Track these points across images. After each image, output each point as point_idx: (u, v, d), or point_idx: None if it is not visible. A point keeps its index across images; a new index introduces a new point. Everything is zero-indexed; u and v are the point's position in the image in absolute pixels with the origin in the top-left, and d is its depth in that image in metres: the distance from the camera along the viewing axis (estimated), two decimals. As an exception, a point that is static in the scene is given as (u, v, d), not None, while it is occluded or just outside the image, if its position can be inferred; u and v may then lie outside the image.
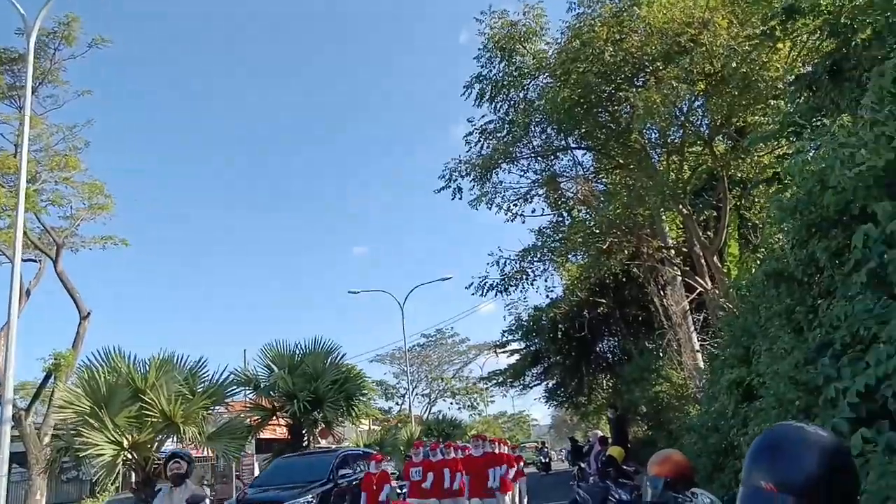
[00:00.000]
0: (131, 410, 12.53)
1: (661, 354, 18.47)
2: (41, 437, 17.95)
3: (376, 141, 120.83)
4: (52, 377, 18.18)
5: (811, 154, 5.84)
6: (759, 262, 10.33)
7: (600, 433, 14.43)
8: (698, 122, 14.55)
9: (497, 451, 12.64)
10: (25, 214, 13.46)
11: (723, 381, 8.15)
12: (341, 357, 19.63)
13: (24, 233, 14.30)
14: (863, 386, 4.55)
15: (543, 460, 34.32)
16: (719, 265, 14.43)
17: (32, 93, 14.56)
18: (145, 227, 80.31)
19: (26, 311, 20.18)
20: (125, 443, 12.32)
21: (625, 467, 9.90)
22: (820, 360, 5.33)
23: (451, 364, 54.18)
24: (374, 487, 11.00)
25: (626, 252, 16.66)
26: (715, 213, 15.73)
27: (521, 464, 16.70)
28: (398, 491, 12.17)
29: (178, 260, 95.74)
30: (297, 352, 18.93)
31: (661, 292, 17.36)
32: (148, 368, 13.43)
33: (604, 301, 20.97)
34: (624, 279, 19.78)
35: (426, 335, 51.14)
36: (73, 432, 12.43)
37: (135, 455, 12.64)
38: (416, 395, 50.71)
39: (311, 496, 11.80)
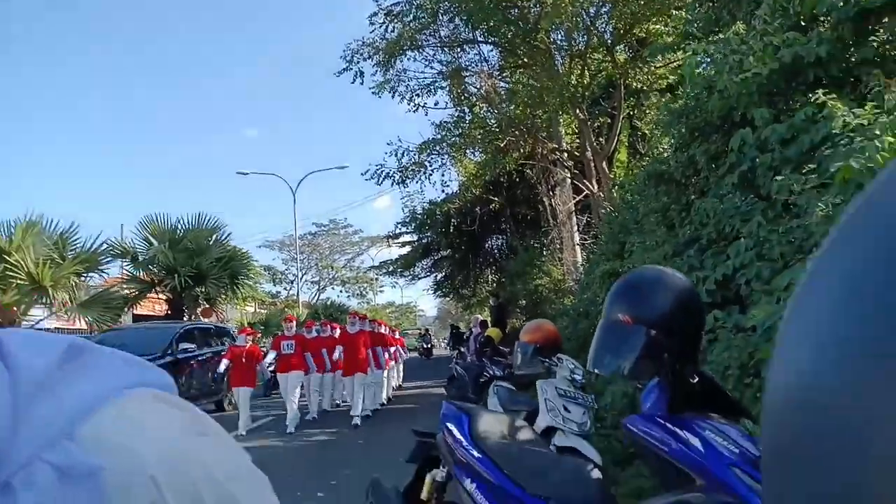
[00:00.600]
0: (-5, 271, 11.79)
1: (544, 251, 19.33)
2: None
3: (277, 14, 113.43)
4: None
5: (704, 62, 6.07)
6: (643, 168, 10.87)
7: (481, 317, 15.12)
8: (603, 29, 14.63)
9: (376, 330, 12.98)
10: None
11: (597, 272, 8.70)
12: (226, 236, 19.16)
13: None
14: (720, 275, 5.00)
15: (426, 346, 36.05)
16: (607, 171, 15.01)
17: None
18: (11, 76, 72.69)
19: None
20: (-12, 304, 11.67)
21: (501, 348, 10.48)
22: (686, 252, 5.79)
23: (342, 254, 54.16)
24: (244, 360, 10.63)
25: (521, 152, 16.92)
26: (609, 121, 16.19)
27: (402, 347, 17.54)
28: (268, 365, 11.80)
29: (51, 123, 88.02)
30: (179, 227, 18.24)
31: (551, 192, 17.95)
32: (13, 230, 12.54)
33: (496, 199, 21.41)
34: (517, 179, 20.22)
35: (318, 224, 50.65)
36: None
37: (-1, 316, 12.02)
38: (305, 281, 50.67)
39: None
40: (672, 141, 7.34)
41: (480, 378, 8.96)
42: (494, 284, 27.87)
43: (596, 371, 2.08)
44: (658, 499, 1.82)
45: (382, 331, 14.17)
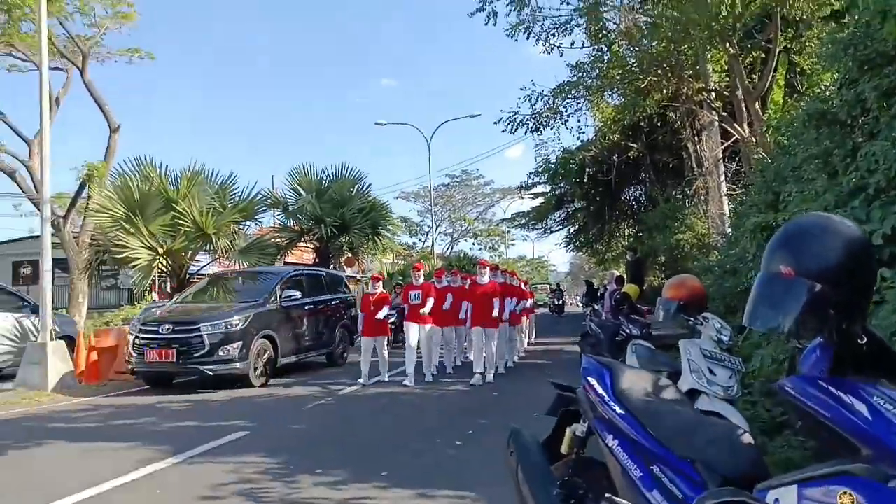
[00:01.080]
0: (164, 219, 12.99)
1: (686, 203, 18.37)
2: (80, 244, 18.79)
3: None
4: (86, 187, 18.68)
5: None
6: (802, 109, 9.90)
7: (617, 273, 14.70)
8: (758, -49, 13.29)
9: (508, 281, 12.07)
10: (49, 20, 13.11)
11: (747, 224, 8.10)
12: (367, 187, 19.86)
13: (50, 40, 14.04)
14: (889, 228, 4.49)
15: (557, 302, 33.50)
16: (760, 112, 13.84)
17: None
18: (170, 42, 78.62)
19: (57, 121, 20.40)
20: (160, 249, 12.89)
21: (638, 306, 10.18)
22: (851, 203, 5.23)
23: (474, 205, 54.65)
24: (372, 308, 10.45)
25: (664, 93, 15.97)
26: (763, 56, 14.83)
27: (532, 300, 16.54)
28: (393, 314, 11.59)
29: (205, 79, 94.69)
30: (325, 178, 19.14)
31: (696, 137, 16.90)
32: (179, 180, 13.73)
33: (635, 145, 20.46)
34: (659, 123, 19.21)
35: (451, 175, 51.21)
36: (111, 236, 12.99)
37: (169, 262, 13.28)
38: (439, 233, 51.73)
39: (237, 318, 10.05)
40: (837, 76, 6.58)
41: (617, 336, 8.78)
42: (631, 238, 26.95)
43: (752, 327, 1.92)
44: (819, 466, 1.68)
45: (515, 283, 13.37)
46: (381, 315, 10.38)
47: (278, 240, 18.36)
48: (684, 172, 18.40)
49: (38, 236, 12.30)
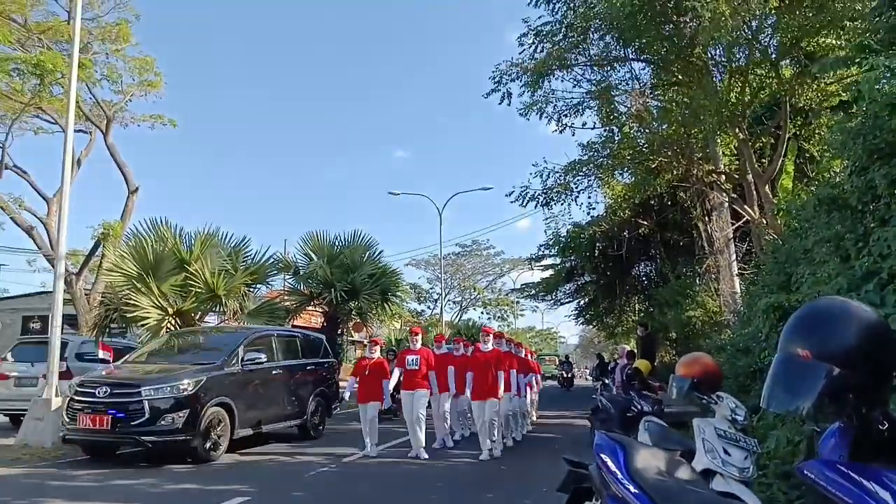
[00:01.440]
0: (177, 280, 13.11)
1: (697, 281, 18.35)
2: (90, 301, 18.91)
3: (427, 44, 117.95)
4: (101, 246, 18.94)
5: (885, 77, 5.51)
6: (812, 193, 10.02)
7: (628, 348, 14.57)
8: (766, 43, 13.75)
9: (513, 351, 11.35)
10: (78, 85, 13.63)
11: (759, 304, 8.08)
12: (378, 253, 20.00)
13: (77, 104, 14.56)
14: (904, 314, 4.49)
15: (565, 375, 31.92)
16: (770, 195, 14.02)
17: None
18: (190, 106, 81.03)
19: (77, 181, 20.88)
20: (170, 309, 12.94)
21: (650, 382, 10.05)
22: (864, 287, 5.24)
23: (484, 275, 54.77)
24: (367, 373, 9.79)
25: (674, 173, 16.24)
26: (772, 141, 15.15)
27: (538, 375, 15.23)
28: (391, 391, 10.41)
29: (222, 143, 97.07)
30: (337, 243, 19.33)
31: (706, 217, 17.04)
32: (193, 241, 13.92)
33: (645, 223, 20.65)
34: (669, 202, 19.42)
35: (461, 245, 51.60)
36: (121, 294, 13.09)
37: (179, 322, 13.30)
38: (448, 301, 51.67)
39: (186, 382, 8.80)
40: (847, 163, 6.70)
41: (628, 412, 8.64)
42: (641, 314, 26.81)
43: (769, 409, 1.92)
44: None
45: (523, 355, 13.00)
46: (390, 386, 9.87)
47: (288, 303, 18.41)
48: (695, 251, 18.48)
49: (50, 292, 12.42)
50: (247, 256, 14.83)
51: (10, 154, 19.65)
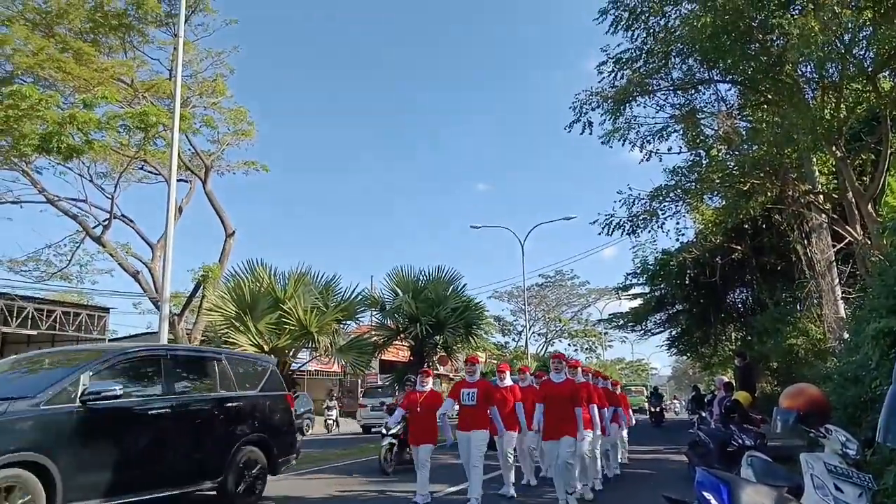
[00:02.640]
0: (271, 318, 13.65)
1: (798, 306, 17.42)
2: (192, 340, 19.91)
3: (506, 75, 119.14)
4: (201, 287, 19.97)
5: None
6: (922, 209, 9.41)
7: (725, 378, 13.94)
8: (861, 55, 13.11)
9: (590, 381, 9.68)
10: (178, 136, 14.62)
11: (868, 330, 7.60)
12: (462, 287, 20.16)
13: (178, 154, 15.59)
14: None
15: (653, 409, 27.61)
16: (874, 214, 13.21)
17: (185, 20, 15.50)
18: (279, 150, 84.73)
19: (179, 227, 22.21)
20: (265, 347, 13.46)
21: (751, 414, 9.59)
22: None
23: (569, 306, 54.02)
24: (419, 409, 8.47)
25: (768, 195, 15.58)
26: (873, 157, 14.32)
27: (626, 409, 13.54)
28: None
29: (308, 185, 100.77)
30: (421, 278, 19.64)
31: (805, 240, 16.21)
32: (287, 281, 14.49)
33: (739, 248, 19.82)
34: (763, 225, 18.61)
35: (545, 276, 51.14)
36: (221, 333, 13.73)
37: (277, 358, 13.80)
38: (533, 333, 51.18)
39: None
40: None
41: (728, 447, 8.29)
42: (738, 342, 25.62)
43: (887, 444, 1.83)
44: None
45: (610, 387, 11.75)
46: (447, 432, 8.59)
47: (376, 338, 18.77)
48: (794, 275, 17.57)
49: (155, 332, 13.16)
50: (337, 294, 15.31)
51: (117, 204, 21.16)
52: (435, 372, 23.47)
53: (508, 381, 9.64)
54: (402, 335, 19.32)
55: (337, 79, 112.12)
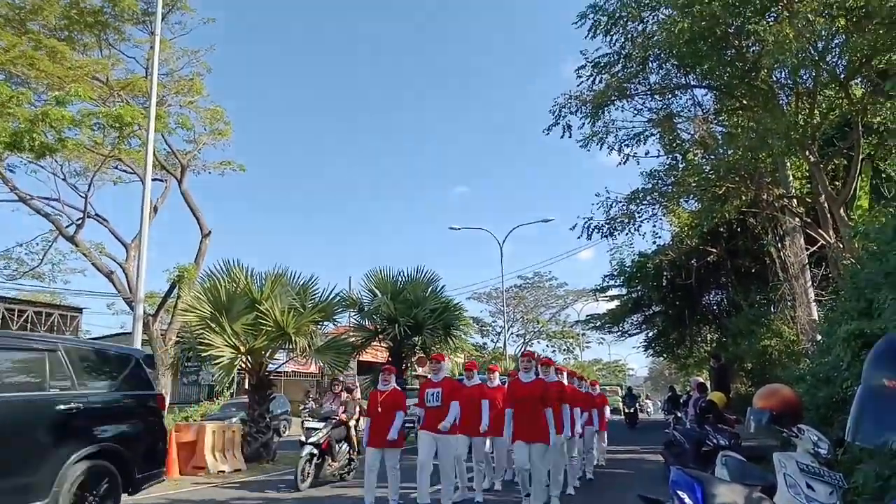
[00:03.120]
0: (248, 319, 13.50)
1: (772, 308, 17.67)
2: (166, 341, 19.67)
3: (483, 78, 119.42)
4: (177, 288, 19.72)
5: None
6: (891, 215, 9.59)
7: (700, 379, 14.09)
8: (834, 62, 13.34)
9: (564, 381, 9.19)
10: (154, 135, 14.44)
11: (840, 332, 7.73)
12: (441, 288, 20.12)
13: (153, 153, 15.40)
14: None
15: (627, 410, 26.40)
16: (846, 218, 13.45)
17: (162, 19, 15.33)
18: (256, 150, 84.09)
19: (154, 226, 21.95)
20: (242, 348, 13.32)
21: (725, 415, 9.68)
22: (954, 311, 4.97)
23: (547, 307, 54.25)
24: (380, 409, 7.88)
25: (742, 199, 15.79)
26: (845, 163, 14.59)
27: (605, 409, 13.39)
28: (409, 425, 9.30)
29: (286, 185, 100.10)
30: (400, 279, 19.57)
31: (779, 243, 16.47)
32: (264, 282, 14.35)
33: (714, 250, 20.08)
34: (738, 228, 18.88)
35: (523, 277, 51.35)
36: (196, 334, 13.57)
37: (250, 360, 13.67)
38: (511, 334, 51.29)
39: None
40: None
41: (703, 446, 8.37)
42: (714, 344, 25.91)
43: (857, 443, 1.86)
44: None
45: (588, 389, 11.59)
46: (393, 430, 7.81)
47: (354, 339, 18.66)
48: (768, 277, 17.83)
49: (128, 333, 12.97)
50: (314, 295, 15.17)
51: (91, 203, 20.84)
52: (413, 374, 23.40)
53: (476, 381, 9.11)
54: (380, 336, 19.25)
55: (312, 79, 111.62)
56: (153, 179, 17.49)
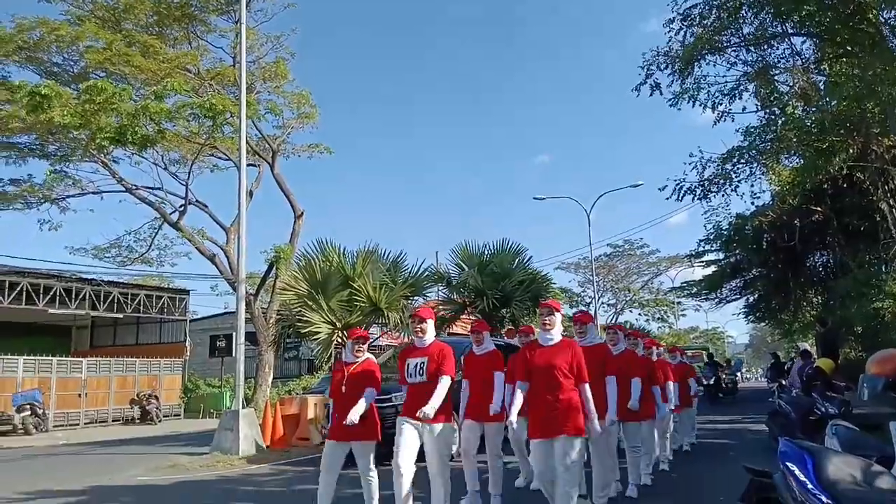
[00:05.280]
0: (342, 296, 13.94)
1: (884, 268, 16.55)
2: (267, 319, 20.55)
3: (558, 41, 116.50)
4: (274, 268, 20.52)
5: None
6: None
7: (805, 345, 13.43)
8: (950, -3, 12.16)
9: (637, 349, 7.74)
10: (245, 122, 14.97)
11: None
12: (528, 260, 19.98)
13: (246, 140, 15.99)
14: None
15: (705, 381, 21.02)
16: (968, 168, 12.36)
17: (245, 7, 15.74)
18: (342, 133, 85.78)
19: (250, 210, 22.82)
20: (338, 324, 13.78)
21: (834, 382, 9.23)
22: None
23: (639, 275, 52.82)
24: (344, 389, 5.57)
25: (849, 153, 14.76)
26: (967, 107, 13.32)
27: (693, 383, 10.77)
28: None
29: (371, 165, 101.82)
30: (486, 252, 19.58)
31: (891, 198, 15.32)
32: (356, 259, 14.74)
33: (819, 209, 18.86)
34: (844, 184, 17.65)
35: (613, 245, 50.12)
36: (295, 312, 14.14)
37: (345, 335, 14.12)
38: (602, 304, 50.39)
39: None
40: None
41: (810, 415, 8.04)
42: (820, 308, 24.50)
43: None
44: None
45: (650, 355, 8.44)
46: (355, 412, 5.32)
47: (443, 313, 18.89)
48: (879, 235, 16.64)
49: (232, 312, 13.65)
50: (404, 270, 15.46)
51: (192, 190, 21.90)
52: (502, 343, 23.50)
53: (489, 346, 6.60)
54: (469, 309, 19.40)
55: (392, 50, 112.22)
56: (247, 165, 18.20)
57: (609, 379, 5.79)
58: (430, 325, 5.69)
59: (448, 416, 5.41)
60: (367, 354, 5.83)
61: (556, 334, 5.18)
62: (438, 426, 5.29)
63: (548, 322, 5.16)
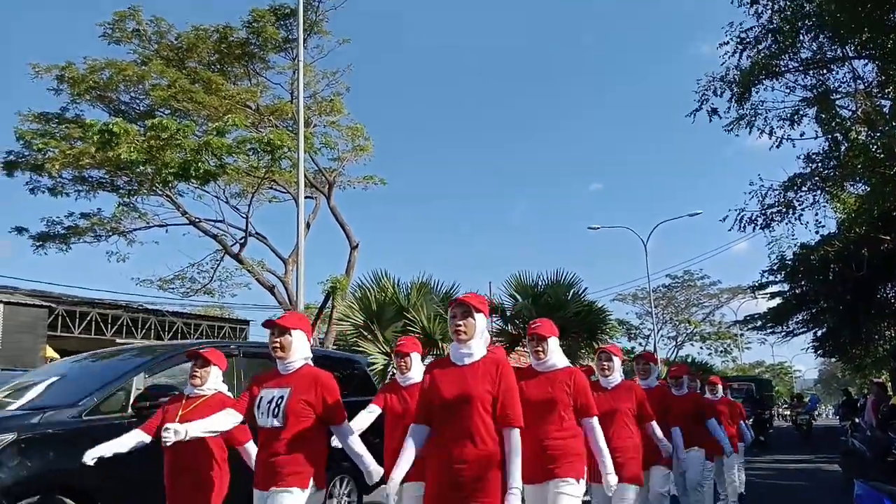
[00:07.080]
0: (397, 326, 13.96)
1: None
2: (324, 348, 20.82)
3: (611, 71, 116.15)
4: (330, 298, 20.81)
5: None
6: None
7: (879, 381, 12.78)
8: None
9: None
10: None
11: None
12: (583, 291, 19.65)
13: (303, 173, 16.42)
14: None
15: (800, 419, 20.40)
16: None
17: (303, 44, 16.31)
18: (395, 164, 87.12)
19: (307, 242, 23.32)
20: (393, 354, 13.82)
21: (911, 419, 8.72)
22: None
23: (700, 307, 51.42)
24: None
25: (920, 178, 14.17)
26: None
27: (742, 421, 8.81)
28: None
29: (421, 194, 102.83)
30: (540, 283, 19.38)
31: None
32: (409, 290, 14.81)
33: (888, 237, 18.07)
34: (916, 211, 16.92)
35: (672, 276, 49.01)
36: (350, 342, 14.24)
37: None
38: (662, 336, 49.15)
39: None
40: None
41: (888, 456, 7.61)
42: (894, 341, 23.34)
43: None
44: None
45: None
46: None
47: (498, 344, 18.76)
48: (955, 264, 15.83)
49: (291, 342, 13.78)
50: (457, 301, 15.43)
51: (252, 222, 22.54)
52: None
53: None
54: (523, 341, 19.22)
55: (437, 74, 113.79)
56: (305, 197, 18.65)
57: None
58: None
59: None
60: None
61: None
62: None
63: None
